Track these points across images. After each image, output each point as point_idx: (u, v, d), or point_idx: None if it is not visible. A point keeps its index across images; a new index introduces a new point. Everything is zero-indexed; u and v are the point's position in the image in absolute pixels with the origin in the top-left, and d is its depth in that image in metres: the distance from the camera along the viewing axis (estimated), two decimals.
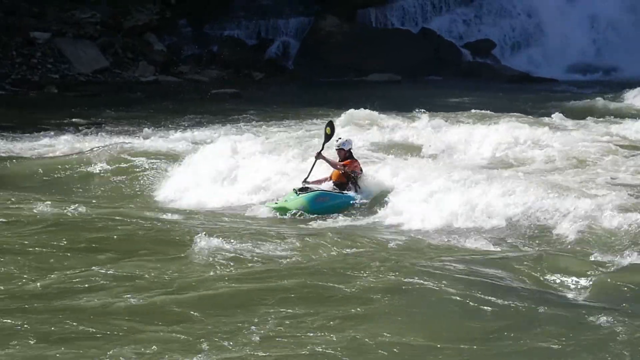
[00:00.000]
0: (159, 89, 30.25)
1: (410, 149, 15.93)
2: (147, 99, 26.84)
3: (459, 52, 38.11)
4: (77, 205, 10.01)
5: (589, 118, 19.54)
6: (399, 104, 21.56)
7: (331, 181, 11.93)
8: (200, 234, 8.61)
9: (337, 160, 11.97)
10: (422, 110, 18.75)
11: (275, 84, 32.58)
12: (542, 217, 10.43)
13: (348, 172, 11.75)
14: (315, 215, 11.14)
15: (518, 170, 13.77)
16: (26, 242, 8.23)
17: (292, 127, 19.72)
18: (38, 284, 7.00)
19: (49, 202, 10.09)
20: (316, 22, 37.54)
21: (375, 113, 19.48)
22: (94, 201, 11.63)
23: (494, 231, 10.23)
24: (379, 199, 11.57)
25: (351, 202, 11.58)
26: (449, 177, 11.63)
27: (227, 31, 37.41)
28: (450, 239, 9.93)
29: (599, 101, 23.60)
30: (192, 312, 6.64)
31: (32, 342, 5.84)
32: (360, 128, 18.20)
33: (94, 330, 6.14)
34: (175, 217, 10.15)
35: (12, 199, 10.58)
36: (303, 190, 11.61)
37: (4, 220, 9.14)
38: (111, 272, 7.34)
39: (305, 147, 14.56)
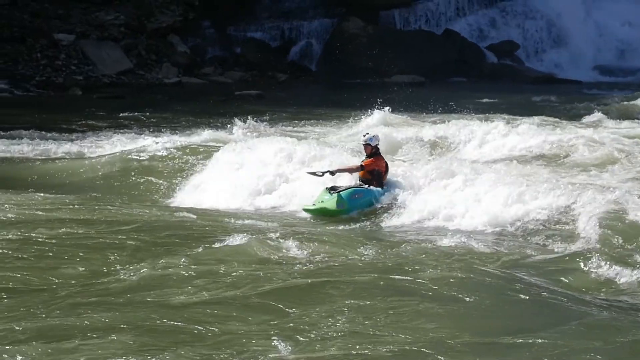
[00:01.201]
0: (183, 91, 30.31)
1: (443, 147, 15.80)
2: (171, 101, 26.87)
3: (482, 53, 37.98)
4: (149, 206, 10.57)
5: (635, 119, 19.36)
6: (426, 105, 21.39)
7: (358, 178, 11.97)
8: (266, 234, 8.83)
9: (365, 156, 11.91)
10: (469, 109, 18.49)
11: (299, 86, 32.57)
12: (586, 218, 10.20)
13: (367, 170, 11.69)
14: (358, 214, 11.08)
15: (565, 168, 13.65)
16: (115, 240, 8.52)
17: (317, 129, 19.63)
18: (127, 279, 7.22)
19: (135, 204, 10.67)
20: (339, 24, 37.47)
21: (404, 114, 19.36)
22: (148, 202, 11.91)
23: (545, 229, 10.07)
24: (414, 199, 11.43)
25: (380, 196, 11.52)
26: (491, 177, 11.48)
27: (251, 33, 37.44)
28: (500, 237, 9.89)
29: (639, 101, 23.33)
30: (271, 305, 6.72)
31: (123, 334, 5.97)
32: (390, 128, 18.03)
33: (180, 322, 6.27)
34: (239, 219, 10.36)
35: (98, 202, 10.93)
36: (333, 188, 11.57)
37: (100, 218, 9.56)
38: (193, 267, 7.54)
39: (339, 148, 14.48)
